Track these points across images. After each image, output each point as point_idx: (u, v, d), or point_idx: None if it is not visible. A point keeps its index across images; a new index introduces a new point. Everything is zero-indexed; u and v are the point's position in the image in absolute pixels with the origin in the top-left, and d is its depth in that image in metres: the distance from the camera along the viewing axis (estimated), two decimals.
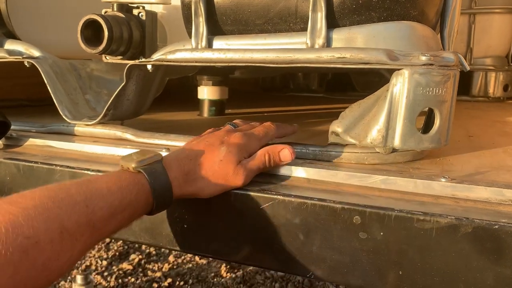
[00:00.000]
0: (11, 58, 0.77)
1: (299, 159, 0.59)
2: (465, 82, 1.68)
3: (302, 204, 0.49)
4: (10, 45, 0.80)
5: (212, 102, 1.13)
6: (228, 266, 1.60)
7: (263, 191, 0.51)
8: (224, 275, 1.56)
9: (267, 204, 0.50)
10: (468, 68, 0.59)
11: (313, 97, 1.83)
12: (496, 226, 0.42)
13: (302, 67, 0.57)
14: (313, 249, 0.49)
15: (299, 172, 0.55)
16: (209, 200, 0.52)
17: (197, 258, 1.66)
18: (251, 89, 2.04)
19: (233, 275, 1.55)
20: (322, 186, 0.53)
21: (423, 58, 0.52)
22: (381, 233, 0.46)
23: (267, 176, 0.56)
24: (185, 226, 0.55)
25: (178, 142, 0.67)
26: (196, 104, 1.16)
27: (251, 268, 1.56)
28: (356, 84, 1.83)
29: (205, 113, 1.13)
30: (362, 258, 0.47)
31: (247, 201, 0.51)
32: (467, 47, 1.64)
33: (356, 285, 0.48)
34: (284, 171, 0.56)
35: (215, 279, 1.53)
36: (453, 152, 0.67)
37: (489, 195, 0.47)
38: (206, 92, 1.12)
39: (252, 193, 0.51)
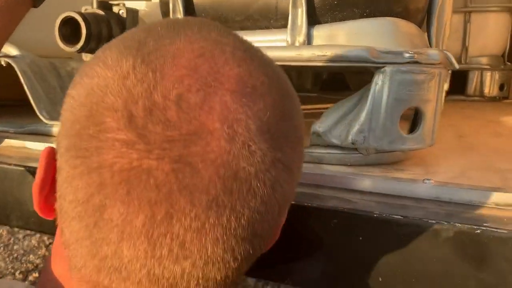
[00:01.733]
0: None
1: None
2: (460, 81, 1.66)
3: None
4: None
5: None
6: None
7: None
8: None
9: None
10: (457, 66, 0.57)
11: (307, 97, 1.81)
12: (478, 231, 0.40)
13: (293, 66, 0.55)
14: (291, 255, 0.47)
15: None
16: None
17: None
18: None
19: None
20: (302, 188, 0.51)
21: (406, 55, 0.50)
22: (360, 238, 0.44)
23: None
24: None
25: None
26: None
27: None
28: (350, 83, 1.81)
29: None
30: (340, 264, 0.45)
31: None
32: (463, 46, 1.62)
33: None
34: None
35: None
36: (440, 152, 0.65)
37: (472, 198, 0.45)
38: None
39: None
